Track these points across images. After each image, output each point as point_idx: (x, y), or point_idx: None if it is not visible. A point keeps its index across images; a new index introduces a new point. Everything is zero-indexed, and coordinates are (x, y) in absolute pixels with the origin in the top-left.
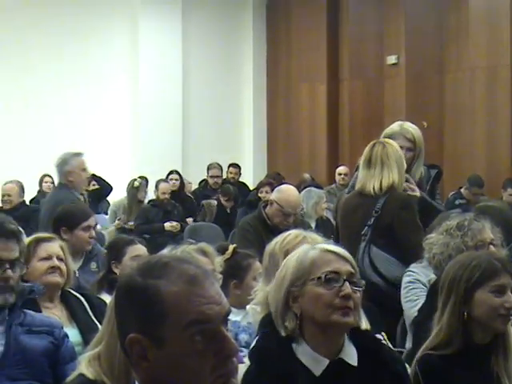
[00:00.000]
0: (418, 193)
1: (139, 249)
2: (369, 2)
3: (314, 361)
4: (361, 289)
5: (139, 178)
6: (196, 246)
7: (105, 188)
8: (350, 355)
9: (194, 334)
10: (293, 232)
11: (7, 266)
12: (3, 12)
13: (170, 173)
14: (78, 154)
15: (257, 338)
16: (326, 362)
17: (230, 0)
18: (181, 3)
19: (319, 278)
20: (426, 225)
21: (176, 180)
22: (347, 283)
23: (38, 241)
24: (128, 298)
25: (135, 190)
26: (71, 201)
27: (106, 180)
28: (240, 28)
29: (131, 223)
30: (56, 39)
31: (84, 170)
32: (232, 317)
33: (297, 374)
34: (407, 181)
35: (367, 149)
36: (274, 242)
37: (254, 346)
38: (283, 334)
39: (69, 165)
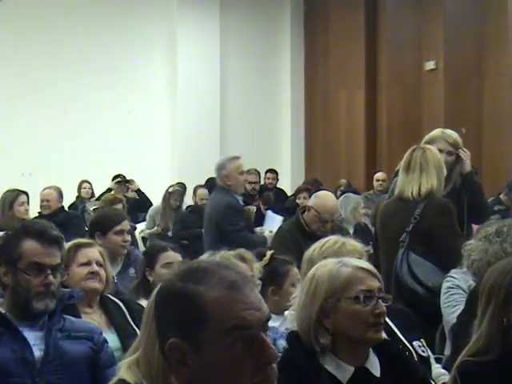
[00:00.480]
0: (469, 158)
1: (171, 256)
2: (407, 8)
3: (340, 369)
4: (388, 303)
5: (176, 184)
6: (235, 251)
7: (144, 202)
8: (374, 366)
9: (233, 340)
10: (331, 238)
11: (49, 271)
12: (45, 15)
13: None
14: (235, 158)
15: (284, 348)
16: (352, 369)
17: (268, 7)
18: (218, 13)
19: (356, 297)
20: (469, 203)
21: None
22: (380, 301)
23: (78, 246)
24: (168, 303)
25: (168, 196)
26: (232, 203)
27: (147, 196)
28: (278, 35)
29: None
30: (93, 44)
31: (241, 173)
32: (270, 323)
33: (324, 382)
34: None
35: (407, 154)
36: (313, 248)
37: (281, 356)
38: (317, 348)
39: (226, 169)
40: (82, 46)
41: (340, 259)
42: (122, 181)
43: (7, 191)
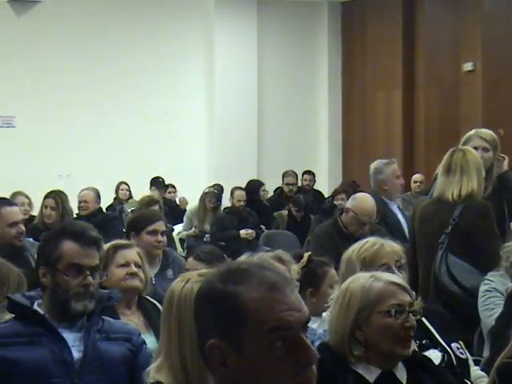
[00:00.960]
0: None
1: (190, 263)
2: (445, 9)
3: (368, 370)
4: (418, 317)
5: (213, 185)
6: (273, 253)
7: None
8: (401, 373)
9: (273, 341)
10: (370, 239)
11: (87, 272)
12: (83, 16)
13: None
14: (391, 162)
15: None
16: (379, 371)
17: (305, 8)
18: (256, 13)
19: (388, 311)
20: (508, 202)
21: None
22: (411, 315)
23: (116, 248)
24: (208, 303)
25: (204, 197)
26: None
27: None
28: (315, 35)
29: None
30: (131, 45)
31: (397, 177)
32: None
33: (352, 379)
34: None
35: (446, 156)
36: (352, 249)
37: None
38: (351, 359)
39: (383, 174)
40: (119, 47)
41: (373, 273)
42: (161, 182)
43: None
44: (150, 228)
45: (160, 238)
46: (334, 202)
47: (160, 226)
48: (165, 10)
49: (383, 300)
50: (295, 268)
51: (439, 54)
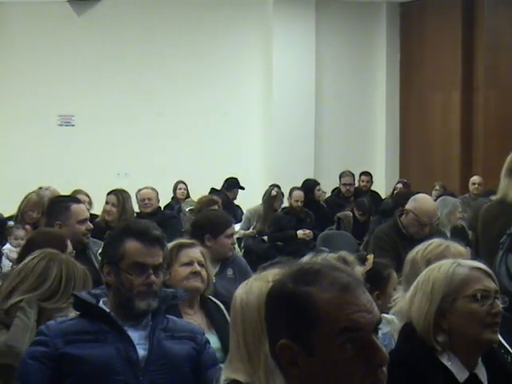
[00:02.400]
0: None
1: None
2: (504, 10)
3: (458, 368)
4: (504, 305)
5: (273, 186)
6: (336, 254)
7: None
8: (482, 373)
9: (344, 342)
10: (435, 241)
11: (151, 271)
12: (141, 17)
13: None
14: None
15: (398, 341)
16: (467, 373)
17: (363, 9)
18: (314, 14)
19: (474, 295)
20: None
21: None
22: (497, 301)
23: (180, 246)
24: (280, 304)
25: (272, 199)
26: None
27: None
28: (373, 36)
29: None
30: (188, 46)
31: None
32: None
33: (441, 376)
34: None
35: (509, 158)
36: (416, 250)
37: (397, 349)
38: (438, 348)
39: None
40: (176, 47)
41: (455, 260)
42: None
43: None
44: (229, 231)
45: (234, 240)
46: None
47: (234, 228)
48: (223, 12)
49: (468, 285)
50: (359, 269)
51: (498, 55)
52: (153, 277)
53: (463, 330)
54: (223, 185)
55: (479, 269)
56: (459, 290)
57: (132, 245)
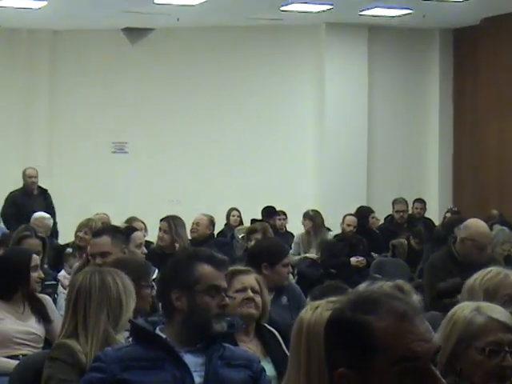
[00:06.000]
0: None
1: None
2: None
3: None
4: None
5: (312, 211)
6: (393, 283)
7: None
8: None
9: (401, 371)
10: (493, 269)
11: (223, 294)
12: (194, 45)
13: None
14: None
15: None
16: None
17: (416, 35)
18: (367, 41)
19: (483, 349)
20: None
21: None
22: (508, 356)
23: (234, 273)
24: (337, 331)
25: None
26: None
27: None
28: (426, 63)
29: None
30: (240, 71)
31: None
32: None
33: None
34: None
35: None
36: (474, 277)
37: None
38: None
39: None
40: (228, 73)
41: (478, 305)
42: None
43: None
44: (286, 261)
45: (290, 269)
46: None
47: (290, 257)
48: (276, 37)
49: (481, 336)
50: (416, 298)
51: None
52: (227, 299)
53: (471, 377)
54: (262, 214)
55: (497, 320)
56: (472, 339)
57: (207, 269)
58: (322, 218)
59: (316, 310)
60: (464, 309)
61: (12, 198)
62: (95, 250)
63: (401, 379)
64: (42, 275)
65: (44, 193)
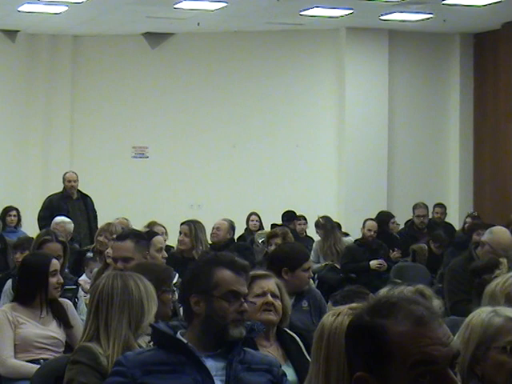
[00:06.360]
0: None
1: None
2: None
3: None
4: None
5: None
6: (414, 287)
7: None
8: None
9: (418, 375)
10: None
11: (243, 299)
12: (214, 51)
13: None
14: None
15: None
16: None
17: (437, 40)
18: (387, 46)
19: (504, 347)
20: None
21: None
22: None
23: (254, 278)
24: (356, 336)
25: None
26: None
27: None
28: (446, 67)
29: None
30: (260, 78)
31: None
32: None
33: None
34: None
35: None
36: (495, 283)
37: None
38: None
39: None
40: (250, 78)
41: (495, 308)
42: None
43: None
44: (306, 265)
45: (311, 274)
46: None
47: (311, 262)
48: (296, 41)
49: (500, 336)
50: (437, 303)
51: None
52: (245, 305)
53: (494, 379)
54: (282, 219)
55: None
56: (492, 340)
57: (226, 274)
58: (332, 223)
59: (338, 317)
60: (481, 313)
61: (48, 202)
62: (118, 255)
63: (418, 383)
64: (61, 280)
65: (85, 198)
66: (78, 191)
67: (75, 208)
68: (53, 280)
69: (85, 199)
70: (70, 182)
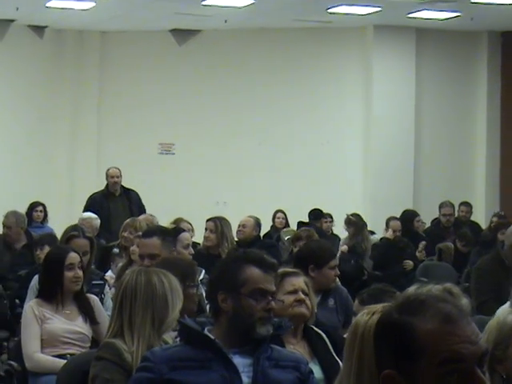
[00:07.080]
0: None
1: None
2: None
3: None
4: None
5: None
6: (442, 286)
7: None
8: None
9: (446, 373)
10: None
11: (270, 297)
12: (239, 48)
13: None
14: None
15: None
16: None
17: (464, 38)
18: (414, 44)
19: None
20: None
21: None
22: None
23: (284, 275)
24: (384, 334)
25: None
26: None
27: None
28: (474, 65)
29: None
30: (287, 75)
31: None
32: None
33: None
34: None
35: None
36: None
37: None
38: None
39: None
40: (275, 76)
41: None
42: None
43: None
44: (333, 263)
45: (338, 271)
46: (499, 236)
47: (337, 260)
48: (323, 38)
49: None
50: (466, 302)
51: None
52: (273, 303)
53: None
54: (309, 217)
55: None
56: (509, 338)
57: (253, 271)
58: (362, 221)
59: (372, 316)
60: (498, 315)
61: (91, 200)
62: (144, 251)
63: (445, 381)
64: (79, 274)
65: (128, 193)
66: (122, 187)
67: (118, 205)
68: (69, 274)
69: (128, 194)
70: (112, 177)
